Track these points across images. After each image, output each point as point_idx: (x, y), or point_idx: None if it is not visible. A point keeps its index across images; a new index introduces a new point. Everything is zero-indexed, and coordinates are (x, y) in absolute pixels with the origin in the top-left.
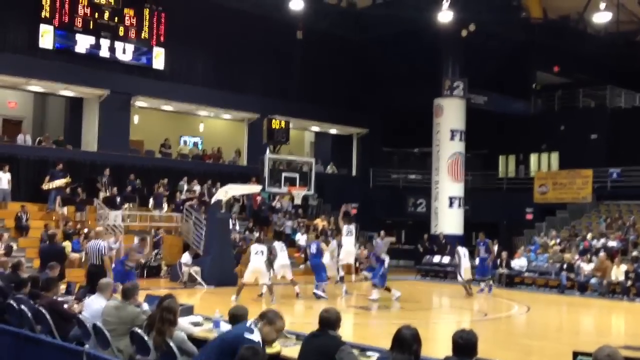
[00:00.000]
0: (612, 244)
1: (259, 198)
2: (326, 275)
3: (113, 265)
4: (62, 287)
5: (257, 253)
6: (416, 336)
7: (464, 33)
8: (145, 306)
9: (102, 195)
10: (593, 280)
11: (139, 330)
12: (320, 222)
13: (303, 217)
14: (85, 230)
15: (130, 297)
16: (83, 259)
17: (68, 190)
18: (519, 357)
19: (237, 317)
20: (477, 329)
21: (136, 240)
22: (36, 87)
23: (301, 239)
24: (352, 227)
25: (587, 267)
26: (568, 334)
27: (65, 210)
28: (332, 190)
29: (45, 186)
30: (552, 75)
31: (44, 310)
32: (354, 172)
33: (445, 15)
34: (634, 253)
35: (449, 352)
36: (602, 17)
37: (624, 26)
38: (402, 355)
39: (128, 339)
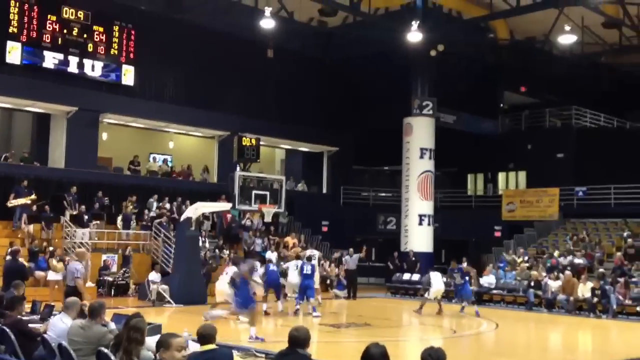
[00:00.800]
0: (579, 261)
1: (229, 216)
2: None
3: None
4: (27, 305)
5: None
6: (385, 354)
7: (433, 53)
8: (112, 325)
9: (69, 212)
10: (560, 297)
11: (106, 350)
12: (290, 240)
13: (273, 235)
14: (51, 248)
15: (96, 316)
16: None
17: (34, 207)
18: None
19: (205, 336)
20: (447, 347)
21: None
22: (3, 103)
23: (271, 256)
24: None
25: (554, 285)
26: (536, 351)
27: (31, 228)
28: (303, 208)
29: (9, 203)
30: (519, 95)
31: (8, 330)
32: (324, 190)
33: (414, 36)
34: (600, 270)
35: None
36: (567, 39)
37: (589, 48)
38: None
39: (94, 358)
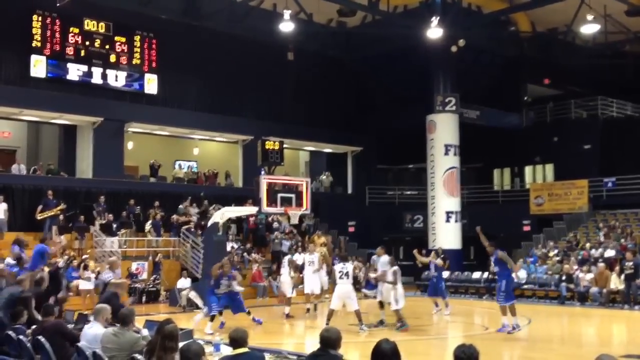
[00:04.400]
0: (610, 253)
1: (251, 219)
2: None
3: None
4: None
5: (342, 276)
6: (395, 350)
7: (454, 49)
8: (145, 332)
9: (98, 222)
10: (593, 290)
11: (139, 357)
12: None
13: (300, 236)
14: (84, 256)
15: (128, 322)
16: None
17: (61, 217)
18: None
19: (237, 340)
20: (479, 344)
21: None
22: (29, 116)
23: (298, 258)
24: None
25: (586, 277)
26: (570, 345)
27: (62, 238)
28: (329, 209)
29: (38, 216)
30: (543, 88)
31: (43, 339)
32: (349, 190)
33: (434, 32)
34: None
35: None
36: (590, 28)
37: (612, 37)
38: None
39: None
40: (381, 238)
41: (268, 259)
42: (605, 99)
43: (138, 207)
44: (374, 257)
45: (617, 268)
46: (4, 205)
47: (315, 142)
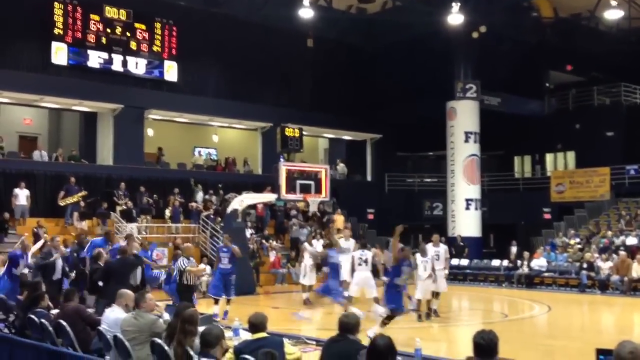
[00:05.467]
0: (633, 241)
1: (259, 207)
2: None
3: None
4: None
5: (360, 263)
6: (390, 346)
7: (475, 35)
8: (167, 315)
9: (119, 208)
10: (614, 278)
11: (159, 341)
12: (338, 218)
13: (319, 224)
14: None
15: (141, 304)
16: None
17: (82, 204)
18: (542, 357)
19: (256, 325)
20: (498, 330)
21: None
22: (51, 103)
23: (317, 245)
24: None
25: (605, 266)
26: (590, 333)
27: (84, 224)
28: (348, 196)
29: (61, 202)
30: (565, 74)
31: (64, 323)
32: (368, 178)
33: (455, 18)
34: None
35: (470, 353)
36: (613, 14)
37: (636, 22)
38: None
39: (148, 347)
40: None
41: (287, 247)
42: (629, 85)
43: (155, 195)
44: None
45: (639, 256)
46: (26, 192)
47: (334, 129)
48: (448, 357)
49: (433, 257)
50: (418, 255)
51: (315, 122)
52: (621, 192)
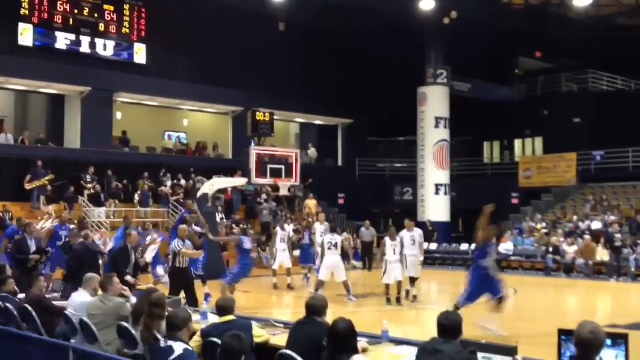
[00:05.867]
0: (597, 225)
1: (229, 190)
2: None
3: None
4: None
5: (330, 247)
6: (350, 328)
7: (445, 21)
8: (134, 299)
9: (86, 192)
10: (579, 262)
11: (126, 324)
12: (310, 203)
13: (289, 208)
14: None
15: (107, 287)
16: None
17: (49, 187)
18: (506, 338)
19: (224, 308)
20: (464, 312)
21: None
22: (17, 85)
23: (288, 229)
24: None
25: (570, 250)
26: (555, 315)
27: (50, 208)
28: (318, 181)
29: (27, 185)
30: (534, 61)
31: (29, 307)
32: (339, 162)
33: (426, 4)
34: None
35: (435, 334)
36: (582, 1)
37: (604, 9)
38: (337, 347)
39: (114, 331)
40: (370, 210)
41: (257, 231)
42: (596, 72)
43: (125, 180)
44: (362, 229)
45: (603, 240)
46: None
47: (305, 113)
48: (414, 339)
49: (409, 242)
50: (387, 239)
51: (287, 107)
52: (587, 178)
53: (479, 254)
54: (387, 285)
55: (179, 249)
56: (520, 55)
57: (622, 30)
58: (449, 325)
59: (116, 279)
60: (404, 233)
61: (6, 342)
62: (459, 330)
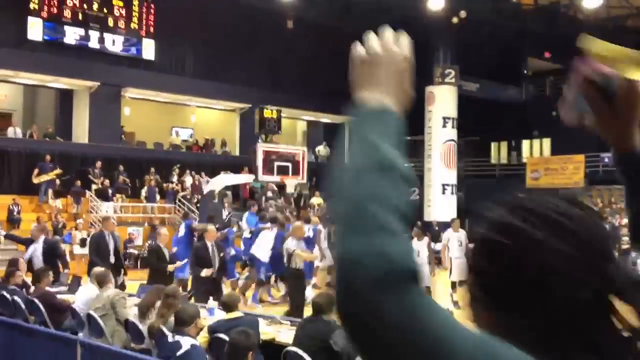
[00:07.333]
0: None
1: (247, 187)
2: None
3: None
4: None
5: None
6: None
7: (454, 20)
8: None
9: (94, 187)
10: None
11: (132, 319)
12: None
13: (296, 205)
14: (79, 221)
15: (103, 283)
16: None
17: (58, 182)
18: None
19: (230, 305)
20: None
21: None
22: (26, 79)
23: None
24: None
25: None
26: None
27: (58, 202)
28: (325, 179)
29: (35, 179)
30: (543, 61)
31: (37, 301)
32: (346, 161)
33: (435, 3)
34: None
35: None
36: (592, 2)
37: (614, 11)
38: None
39: (114, 322)
40: None
41: None
42: None
43: (132, 175)
44: None
45: None
46: None
47: (313, 111)
48: None
49: (456, 244)
50: (414, 240)
51: (294, 105)
52: (595, 180)
53: None
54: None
55: (293, 249)
56: (529, 56)
57: (633, 32)
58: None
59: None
60: (450, 234)
61: (14, 335)
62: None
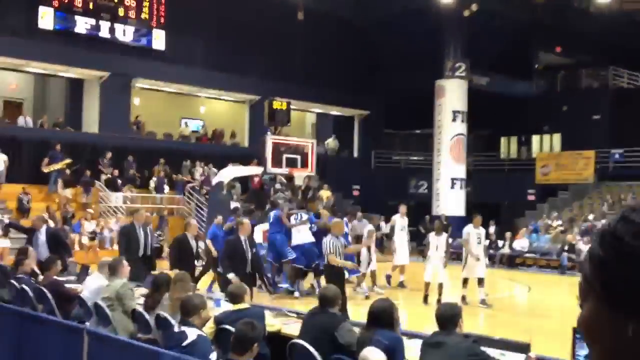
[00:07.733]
0: None
1: (256, 179)
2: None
3: None
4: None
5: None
6: (389, 308)
7: (466, 13)
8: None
9: (103, 177)
10: None
11: (140, 309)
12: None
13: (304, 198)
14: (90, 210)
15: (116, 272)
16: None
17: (67, 171)
18: (518, 335)
19: (237, 296)
20: (478, 309)
21: None
22: (36, 68)
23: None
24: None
25: (586, 248)
26: (569, 314)
27: (68, 192)
28: (334, 172)
29: (45, 169)
30: (554, 56)
31: (45, 290)
32: (355, 154)
33: None
34: None
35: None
36: None
37: (627, 5)
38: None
39: (121, 312)
40: (385, 202)
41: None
42: (617, 69)
43: (141, 163)
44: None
45: None
46: (4, 157)
47: (322, 103)
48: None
49: (475, 240)
50: (432, 234)
51: (304, 97)
52: (605, 176)
53: None
54: (427, 284)
55: (335, 244)
56: (540, 50)
57: None
58: (444, 317)
59: (125, 262)
60: (470, 229)
61: (22, 323)
62: (456, 321)
